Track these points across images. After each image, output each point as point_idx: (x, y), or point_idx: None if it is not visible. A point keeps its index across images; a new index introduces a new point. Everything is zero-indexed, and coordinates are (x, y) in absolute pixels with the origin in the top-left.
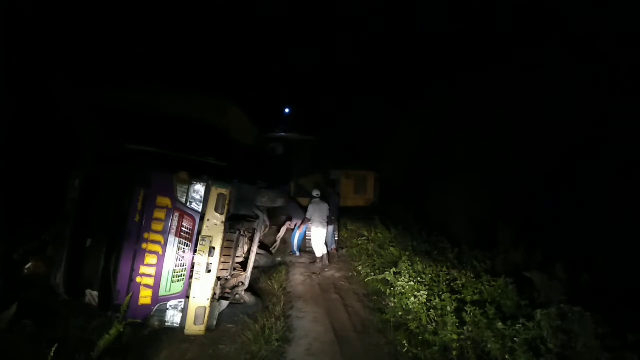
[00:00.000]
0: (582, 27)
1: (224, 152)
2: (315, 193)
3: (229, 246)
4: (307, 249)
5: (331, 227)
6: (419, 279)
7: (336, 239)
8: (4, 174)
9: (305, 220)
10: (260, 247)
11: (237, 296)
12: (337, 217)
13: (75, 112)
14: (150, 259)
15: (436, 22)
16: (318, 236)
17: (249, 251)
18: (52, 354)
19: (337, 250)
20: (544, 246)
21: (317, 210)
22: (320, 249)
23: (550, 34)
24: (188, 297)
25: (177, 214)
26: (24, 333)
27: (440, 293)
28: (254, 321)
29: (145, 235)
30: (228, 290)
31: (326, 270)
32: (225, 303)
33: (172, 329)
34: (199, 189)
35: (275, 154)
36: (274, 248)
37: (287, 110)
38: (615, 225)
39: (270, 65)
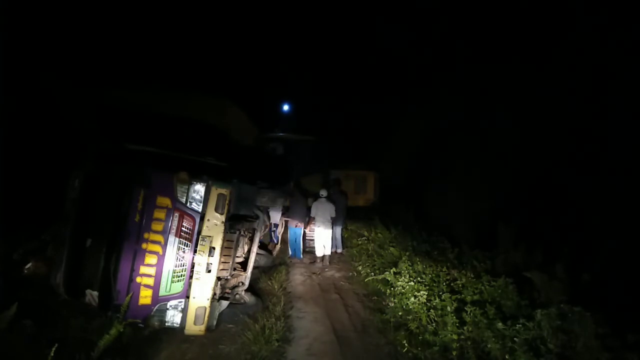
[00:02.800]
0: (582, 27)
1: (224, 152)
2: (322, 193)
3: (229, 246)
4: (307, 249)
5: (338, 229)
6: (419, 279)
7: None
8: (4, 174)
9: (310, 220)
10: (260, 247)
11: (237, 296)
12: (344, 218)
13: (75, 112)
14: (150, 259)
15: (437, 21)
16: (321, 236)
17: (249, 251)
18: (52, 354)
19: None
20: (544, 246)
21: (321, 210)
22: (321, 250)
23: (551, 33)
24: (188, 297)
25: (177, 214)
26: (24, 333)
27: (440, 293)
28: (254, 321)
29: (145, 235)
30: (228, 290)
31: (326, 270)
32: (225, 303)
33: (172, 329)
34: (199, 189)
35: (275, 154)
36: (276, 247)
37: (286, 108)
38: (615, 225)
39: (270, 65)
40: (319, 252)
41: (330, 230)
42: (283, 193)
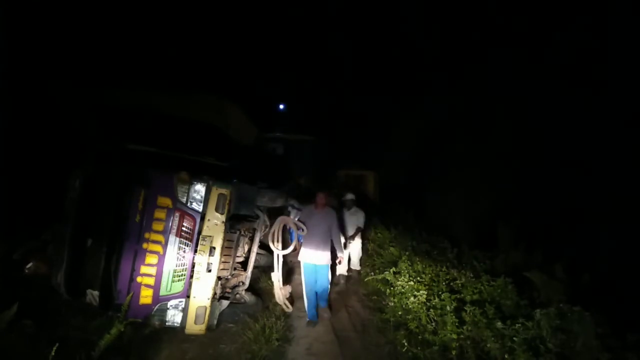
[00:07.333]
0: (579, 24)
1: (224, 152)
2: (349, 196)
3: (229, 246)
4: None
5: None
6: (418, 278)
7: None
8: (4, 174)
9: (357, 230)
10: (260, 246)
11: (238, 296)
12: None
13: (75, 112)
14: (151, 259)
15: (436, 21)
16: (355, 248)
17: (249, 251)
18: (52, 354)
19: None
20: (544, 246)
21: (356, 219)
22: (356, 262)
23: (549, 32)
24: (188, 296)
25: (177, 214)
26: (24, 333)
27: (440, 293)
28: (254, 320)
29: (146, 235)
30: (228, 290)
31: None
32: (225, 302)
33: (172, 329)
34: (200, 189)
35: (275, 154)
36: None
37: (286, 108)
38: (615, 225)
39: (270, 65)
40: (355, 265)
41: (361, 241)
42: (283, 193)
